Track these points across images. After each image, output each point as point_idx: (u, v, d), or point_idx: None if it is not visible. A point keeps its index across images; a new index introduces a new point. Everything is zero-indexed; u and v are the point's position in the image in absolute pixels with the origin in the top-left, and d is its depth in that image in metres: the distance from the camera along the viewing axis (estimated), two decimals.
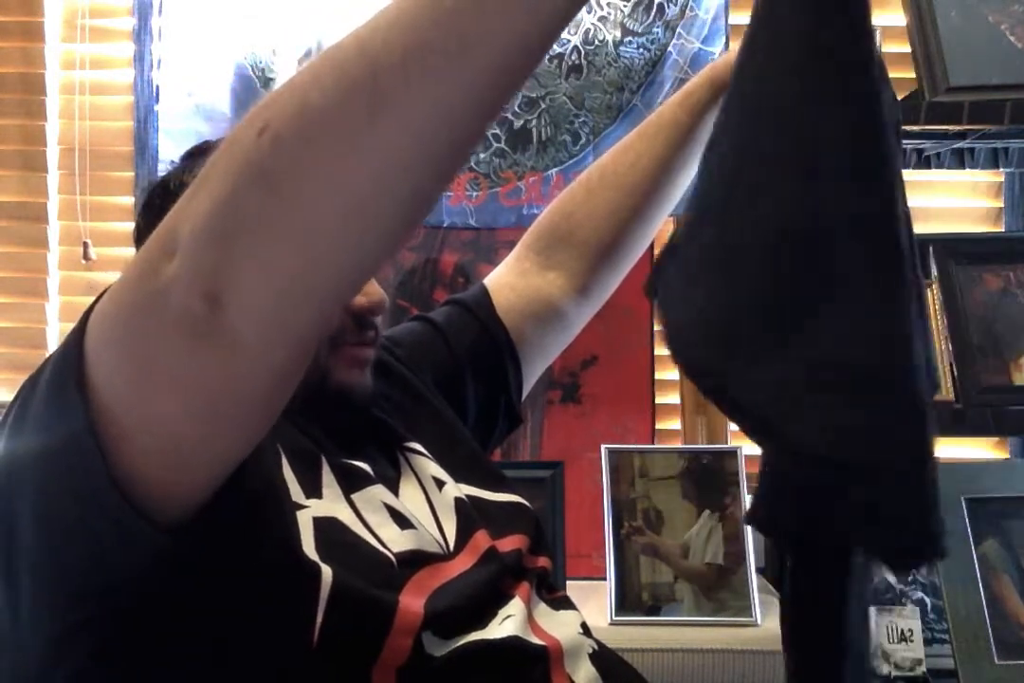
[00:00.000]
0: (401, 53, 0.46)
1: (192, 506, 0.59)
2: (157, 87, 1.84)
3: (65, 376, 0.57)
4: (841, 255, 0.54)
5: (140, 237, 0.83)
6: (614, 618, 1.46)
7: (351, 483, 0.76)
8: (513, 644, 0.73)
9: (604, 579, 1.50)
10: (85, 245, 1.83)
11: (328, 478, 0.75)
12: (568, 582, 1.49)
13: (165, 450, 0.56)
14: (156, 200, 0.83)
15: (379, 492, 0.77)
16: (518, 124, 1.81)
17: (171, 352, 0.53)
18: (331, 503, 0.73)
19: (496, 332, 1.02)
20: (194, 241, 0.51)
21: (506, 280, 1.06)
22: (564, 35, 1.80)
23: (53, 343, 1.87)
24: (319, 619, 0.65)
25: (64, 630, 0.61)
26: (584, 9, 1.80)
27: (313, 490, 0.73)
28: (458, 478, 0.86)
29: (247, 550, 0.64)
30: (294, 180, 0.49)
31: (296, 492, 0.71)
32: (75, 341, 0.57)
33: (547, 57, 1.80)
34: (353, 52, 0.48)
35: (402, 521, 0.76)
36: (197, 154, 0.84)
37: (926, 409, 0.55)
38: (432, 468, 0.86)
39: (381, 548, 0.71)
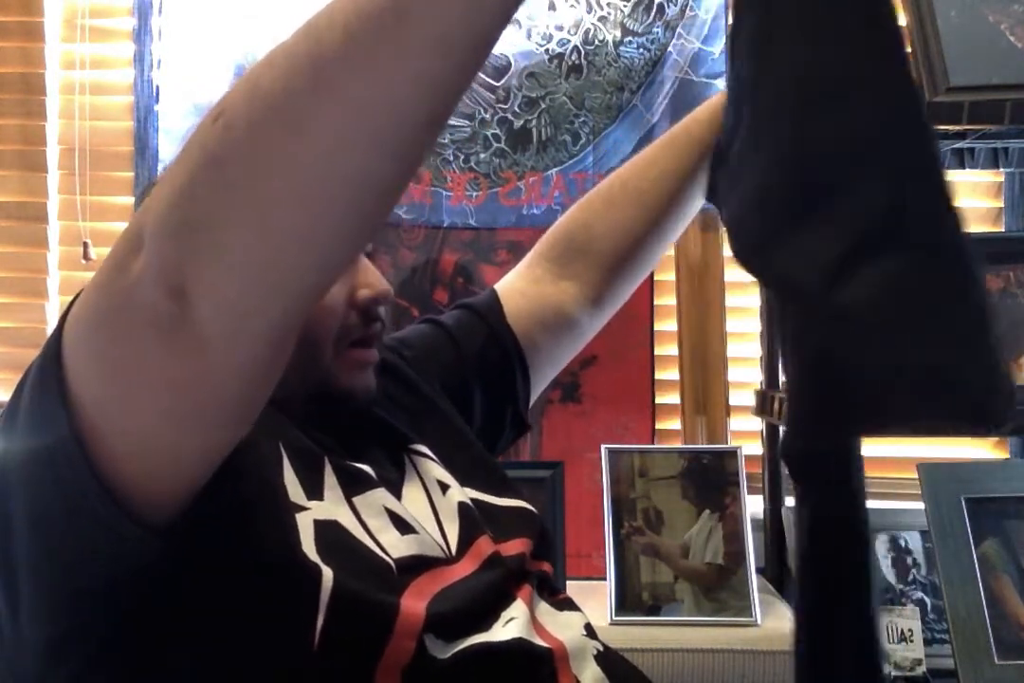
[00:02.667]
0: (342, 28, 0.46)
1: (179, 507, 0.59)
2: (157, 87, 1.84)
3: (46, 381, 0.57)
4: (865, 112, 0.54)
5: None
6: (614, 618, 1.46)
7: (353, 486, 0.75)
8: (518, 646, 0.72)
9: (604, 579, 1.50)
10: (85, 245, 1.83)
11: (330, 480, 0.74)
12: (568, 582, 1.49)
13: (144, 452, 0.56)
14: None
15: (381, 496, 0.76)
16: (518, 124, 1.81)
17: (142, 350, 0.53)
18: (332, 505, 0.72)
19: (505, 338, 1.01)
20: (157, 236, 0.50)
21: (517, 286, 1.05)
22: (564, 35, 1.80)
23: None
24: (320, 620, 0.64)
25: (63, 631, 0.61)
26: (584, 9, 1.80)
27: (315, 491, 0.72)
28: (464, 482, 0.86)
29: (244, 550, 0.64)
30: (245, 166, 0.48)
31: (297, 493, 0.71)
32: (54, 345, 0.57)
33: (547, 57, 1.80)
34: (302, 33, 0.48)
35: (403, 526, 0.75)
36: None
37: (973, 264, 0.53)
38: (437, 471, 0.85)
39: (381, 553, 0.71)
